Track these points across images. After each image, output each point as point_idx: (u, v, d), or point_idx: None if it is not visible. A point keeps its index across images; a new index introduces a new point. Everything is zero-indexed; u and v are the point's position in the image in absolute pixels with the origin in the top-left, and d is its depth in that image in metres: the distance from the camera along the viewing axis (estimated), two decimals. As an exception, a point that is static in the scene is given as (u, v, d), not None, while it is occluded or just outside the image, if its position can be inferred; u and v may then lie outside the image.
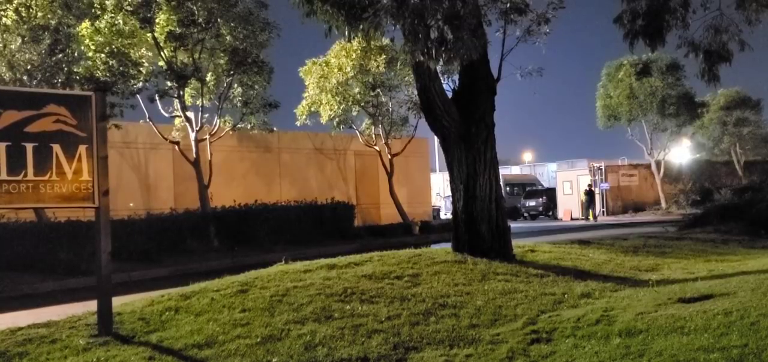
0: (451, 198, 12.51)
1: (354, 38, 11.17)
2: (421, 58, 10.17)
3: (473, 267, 10.19)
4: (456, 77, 12.09)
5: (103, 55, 18.11)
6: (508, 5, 11.66)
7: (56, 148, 7.11)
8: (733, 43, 12.79)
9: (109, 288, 7.42)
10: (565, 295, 8.65)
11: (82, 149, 7.24)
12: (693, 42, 12.83)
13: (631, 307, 7.37)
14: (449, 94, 12.03)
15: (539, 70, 13.17)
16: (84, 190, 7.27)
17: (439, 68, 11.31)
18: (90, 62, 17.89)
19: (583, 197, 38.74)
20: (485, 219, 11.58)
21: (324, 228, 23.11)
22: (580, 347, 6.12)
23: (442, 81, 11.92)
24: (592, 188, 38.90)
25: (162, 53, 19.51)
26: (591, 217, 37.33)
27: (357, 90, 25.36)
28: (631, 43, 12.66)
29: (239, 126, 22.80)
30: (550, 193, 44.44)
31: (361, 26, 9.97)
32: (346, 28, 10.25)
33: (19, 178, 6.93)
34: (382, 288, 8.69)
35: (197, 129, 20.92)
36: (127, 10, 18.49)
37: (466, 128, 11.71)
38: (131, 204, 22.44)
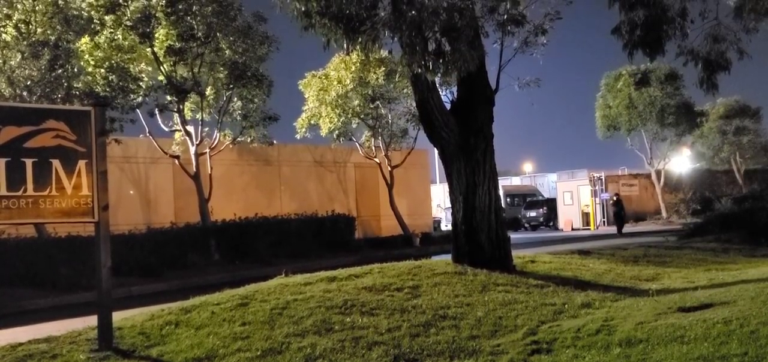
0: (451, 210, 12.51)
1: (352, 51, 11.18)
2: (419, 70, 10.20)
3: (473, 278, 10.18)
4: (454, 89, 12.13)
5: (102, 70, 18.19)
6: (506, 17, 11.67)
7: (56, 163, 7.13)
8: (732, 52, 12.82)
9: (110, 303, 7.42)
10: (566, 306, 8.65)
11: (81, 164, 7.26)
12: (691, 51, 12.85)
13: (631, 317, 7.38)
14: (448, 106, 12.05)
15: (537, 80, 13.25)
16: (84, 205, 7.28)
17: (437, 80, 11.34)
18: (89, 77, 17.95)
19: (612, 207, 35.28)
20: (485, 230, 11.58)
21: (324, 240, 23.11)
22: (581, 357, 6.13)
23: (441, 93, 11.96)
24: (620, 197, 34.53)
25: (161, 68, 19.56)
26: (617, 228, 33.01)
27: (356, 102, 25.39)
28: (631, 54, 12.68)
29: (239, 139, 22.86)
30: (551, 204, 44.41)
31: (359, 39, 9.98)
32: (344, 42, 10.28)
33: (19, 193, 6.95)
34: (383, 300, 8.69)
35: (197, 143, 20.97)
36: (126, 26, 18.57)
37: (465, 139, 11.72)
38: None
